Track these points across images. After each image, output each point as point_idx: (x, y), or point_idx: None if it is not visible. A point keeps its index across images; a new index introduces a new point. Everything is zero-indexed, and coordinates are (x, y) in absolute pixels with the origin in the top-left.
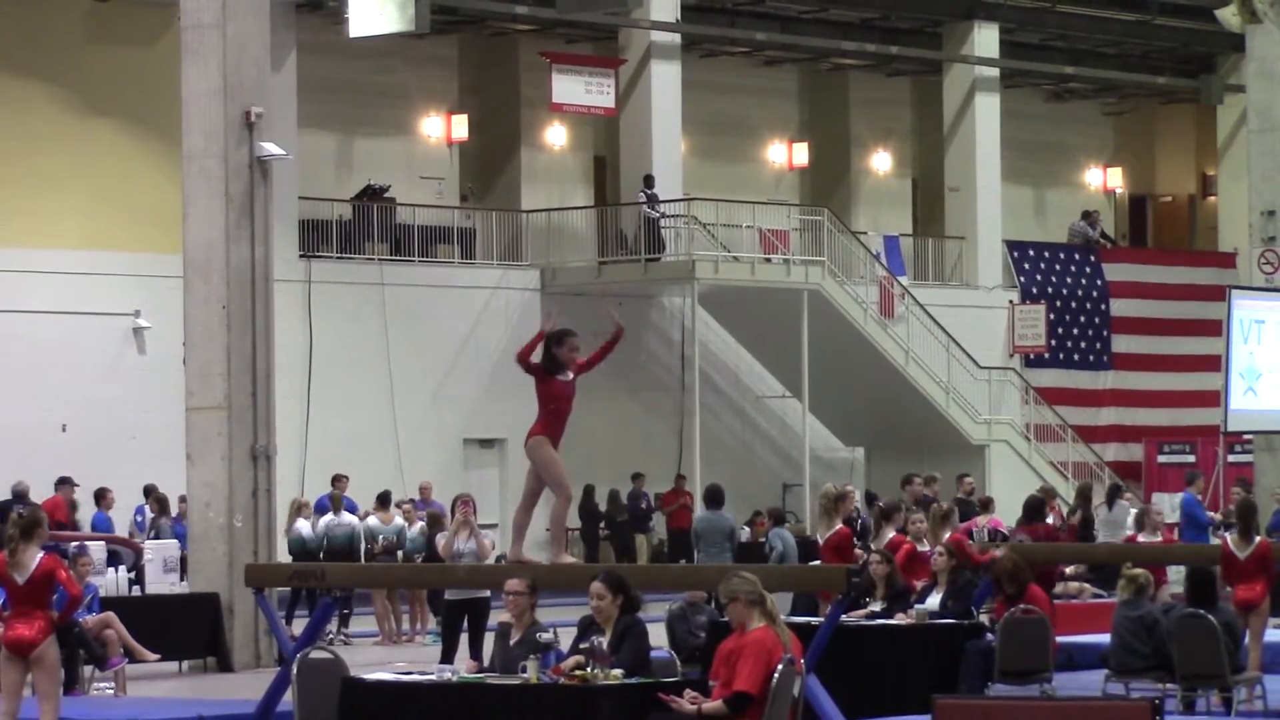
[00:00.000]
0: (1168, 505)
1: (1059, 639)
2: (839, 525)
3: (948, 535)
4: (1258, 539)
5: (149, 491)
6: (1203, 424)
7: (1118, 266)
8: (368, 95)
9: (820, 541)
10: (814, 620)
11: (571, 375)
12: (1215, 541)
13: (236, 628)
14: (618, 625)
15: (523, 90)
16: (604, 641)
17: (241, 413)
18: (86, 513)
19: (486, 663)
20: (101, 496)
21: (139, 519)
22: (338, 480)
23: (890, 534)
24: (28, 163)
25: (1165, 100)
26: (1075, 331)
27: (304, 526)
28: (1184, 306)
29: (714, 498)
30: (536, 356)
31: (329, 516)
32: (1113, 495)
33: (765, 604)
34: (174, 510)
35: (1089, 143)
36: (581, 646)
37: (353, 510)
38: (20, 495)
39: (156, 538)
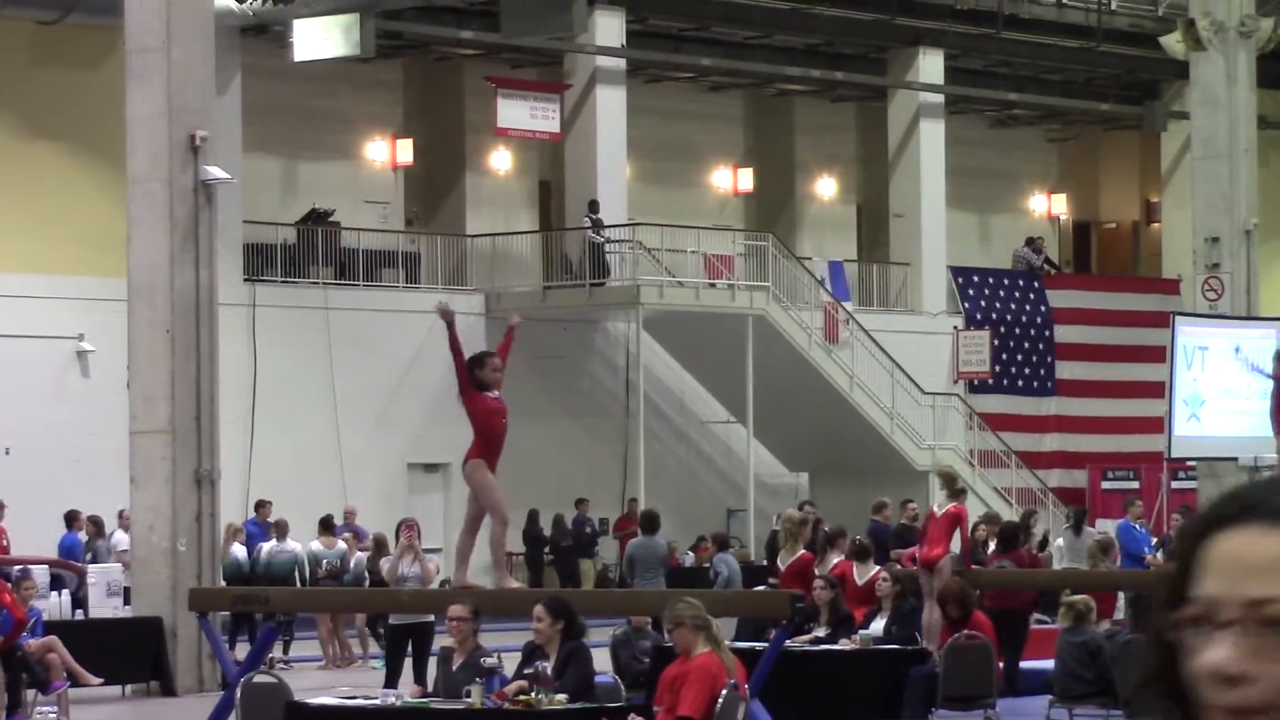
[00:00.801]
0: (1111, 532)
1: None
2: (801, 551)
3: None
4: None
5: (121, 515)
6: (1146, 450)
7: (1062, 293)
8: (312, 119)
9: (782, 567)
10: (758, 646)
11: (497, 394)
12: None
13: (180, 652)
14: (562, 650)
15: (467, 115)
16: (548, 666)
17: (185, 436)
18: (35, 536)
19: (430, 687)
20: (73, 519)
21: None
22: (261, 506)
23: (835, 559)
24: None
25: (1109, 127)
26: (1019, 357)
27: (239, 551)
28: (1128, 333)
29: (649, 524)
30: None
31: (271, 543)
32: (1079, 521)
33: (710, 629)
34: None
35: (1033, 169)
36: (526, 671)
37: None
38: None
39: (94, 561)
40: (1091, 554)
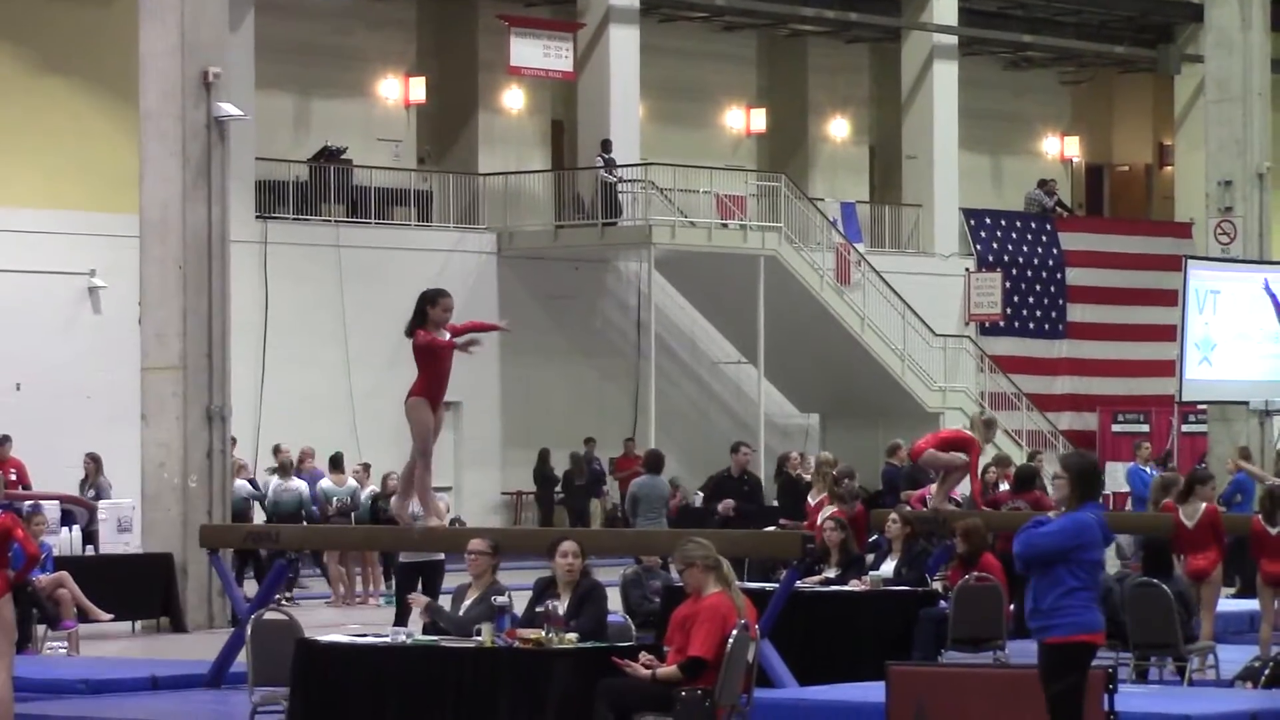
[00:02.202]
0: (1121, 474)
1: None
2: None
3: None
4: (1203, 507)
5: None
6: (1157, 394)
7: (1074, 235)
8: (325, 57)
9: (812, 503)
10: (769, 586)
11: (448, 336)
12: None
13: (190, 588)
14: (578, 589)
15: (481, 53)
16: (559, 605)
17: (197, 373)
18: (45, 471)
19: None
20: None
21: None
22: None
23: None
24: None
25: (1123, 70)
26: (1031, 300)
27: (242, 487)
28: (1140, 276)
29: (653, 463)
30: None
31: (275, 480)
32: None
33: (721, 569)
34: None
35: (1046, 111)
36: (537, 610)
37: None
38: None
39: (96, 498)
40: (1155, 491)
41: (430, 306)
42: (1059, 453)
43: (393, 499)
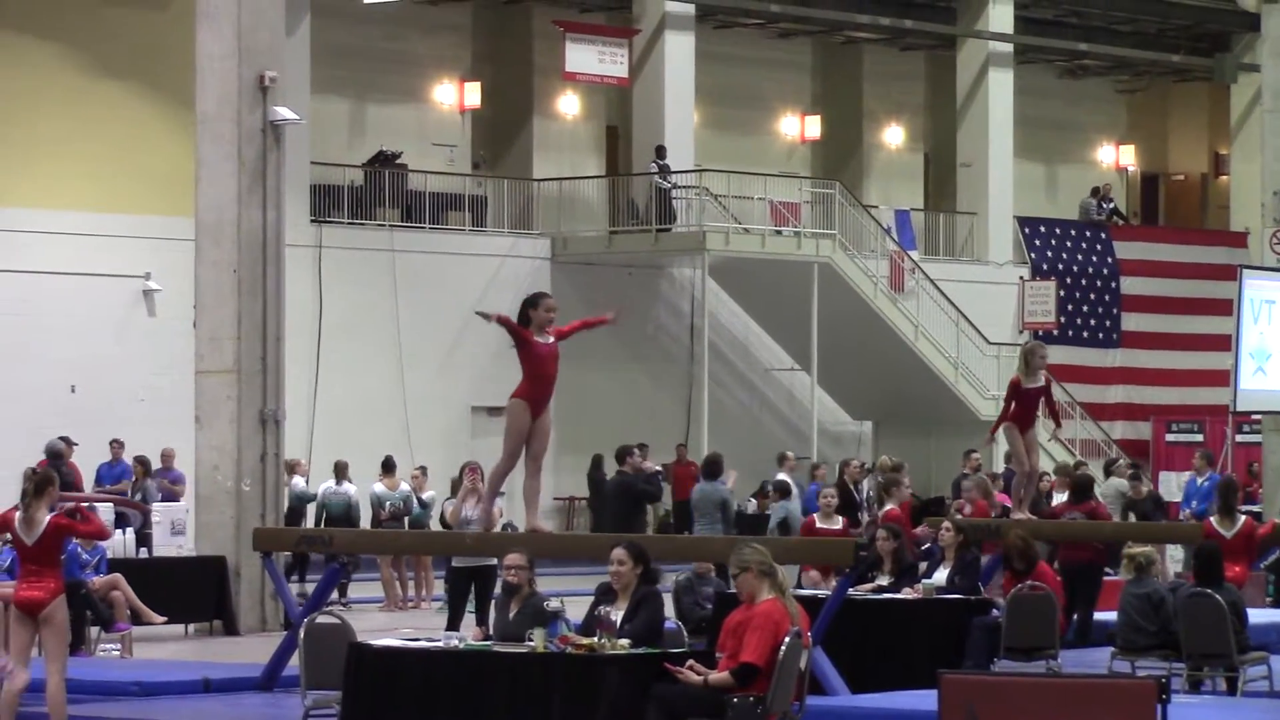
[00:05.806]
0: (1175, 484)
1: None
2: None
3: None
4: (1242, 518)
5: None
6: (1211, 403)
7: (1129, 244)
8: (381, 61)
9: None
10: (821, 593)
11: (551, 338)
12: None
13: (243, 591)
14: (635, 594)
15: (536, 59)
16: (610, 610)
17: (251, 377)
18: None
19: (491, 630)
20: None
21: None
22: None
23: (889, 507)
24: (40, 124)
25: (1178, 78)
26: (1085, 309)
27: (298, 483)
28: (1194, 285)
29: (711, 469)
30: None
31: (328, 484)
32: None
33: (775, 576)
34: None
35: (1101, 120)
36: (593, 616)
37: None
38: (57, 454)
39: (144, 500)
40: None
41: (531, 309)
42: (1117, 464)
43: (525, 517)
